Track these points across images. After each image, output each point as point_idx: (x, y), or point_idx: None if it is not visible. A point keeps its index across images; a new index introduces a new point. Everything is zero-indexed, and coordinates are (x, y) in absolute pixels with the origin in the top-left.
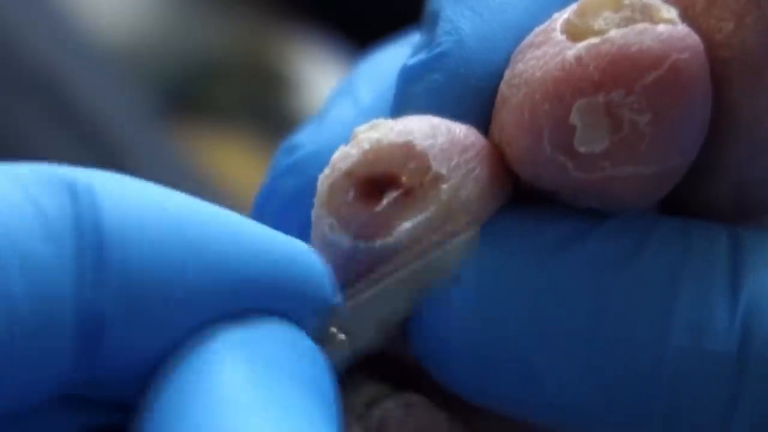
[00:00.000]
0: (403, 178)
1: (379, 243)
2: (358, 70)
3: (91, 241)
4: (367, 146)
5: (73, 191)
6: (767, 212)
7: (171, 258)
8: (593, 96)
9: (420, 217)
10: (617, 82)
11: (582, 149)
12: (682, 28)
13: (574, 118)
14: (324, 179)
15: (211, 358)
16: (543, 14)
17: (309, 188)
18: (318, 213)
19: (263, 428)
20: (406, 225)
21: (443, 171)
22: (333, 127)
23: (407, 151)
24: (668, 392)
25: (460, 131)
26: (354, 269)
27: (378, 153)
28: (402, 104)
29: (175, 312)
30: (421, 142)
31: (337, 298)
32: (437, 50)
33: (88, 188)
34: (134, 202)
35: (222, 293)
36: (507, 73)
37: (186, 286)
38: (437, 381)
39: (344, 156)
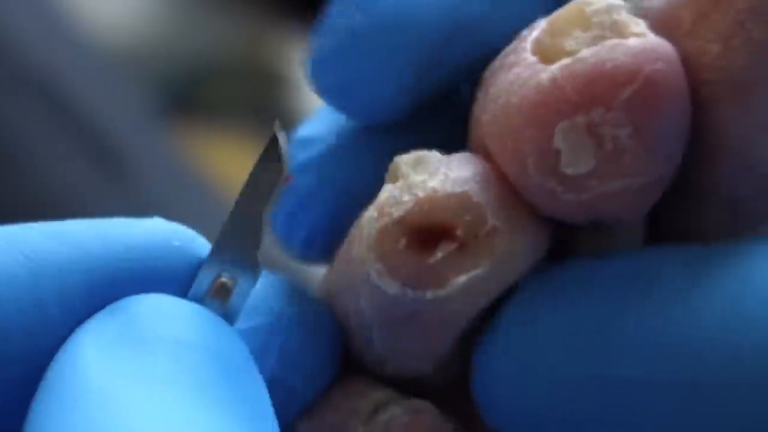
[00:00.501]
0: (458, 231)
1: (429, 294)
2: None
3: None
4: (422, 194)
5: None
6: (762, 222)
7: None
8: (573, 117)
9: (474, 272)
10: (595, 101)
11: (569, 171)
12: (652, 39)
13: (558, 142)
14: (371, 222)
15: (72, 349)
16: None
17: (324, 187)
18: (364, 255)
19: (132, 407)
20: (461, 279)
21: (499, 224)
22: (351, 123)
23: (464, 202)
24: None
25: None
26: (397, 315)
27: (433, 203)
28: (322, 34)
29: (11, 342)
30: (478, 193)
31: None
32: None
33: None
34: None
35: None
36: (480, 98)
37: (16, 308)
38: (447, 393)
39: (395, 201)
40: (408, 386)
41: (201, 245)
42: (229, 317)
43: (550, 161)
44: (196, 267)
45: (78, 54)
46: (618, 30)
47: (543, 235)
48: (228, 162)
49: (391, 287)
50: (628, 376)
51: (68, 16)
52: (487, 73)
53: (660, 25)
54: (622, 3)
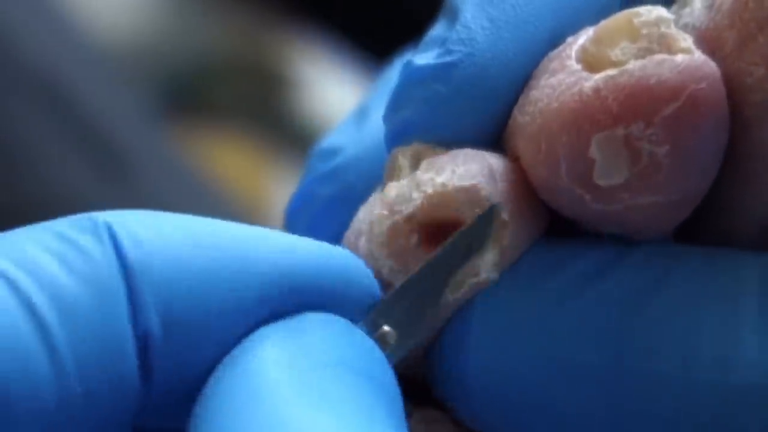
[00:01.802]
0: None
1: (451, 298)
2: (396, 68)
3: (121, 274)
4: (430, 191)
5: (97, 234)
6: None
7: (196, 275)
8: (612, 129)
9: (484, 267)
10: (636, 115)
11: (601, 182)
12: (698, 57)
13: (593, 152)
14: (382, 219)
15: (254, 356)
16: (561, 36)
17: (348, 195)
18: (375, 253)
19: (308, 418)
20: (474, 279)
21: (506, 217)
22: (375, 133)
23: (472, 196)
24: (695, 424)
25: (510, 168)
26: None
27: (443, 198)
28: (398, 104)
29: (212, 325)
30: (485, 187)
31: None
32: (448, 59)
33: (109, 228)
34: (154, 230)
35: (258, 300)
36: (520, 99)
37: (218, 299)
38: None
39: (405, 199)
40: (420, 392)
41: (375, 289)
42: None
43: (582, 169)
44: (367, 309)
45: (79, 54)
46: (666, 44)
47: (542, 226)
48: (228, 162)
49: None
50: (595, 363)
51: (69, 15)
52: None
53: (703, 41)
54: (671, 16)
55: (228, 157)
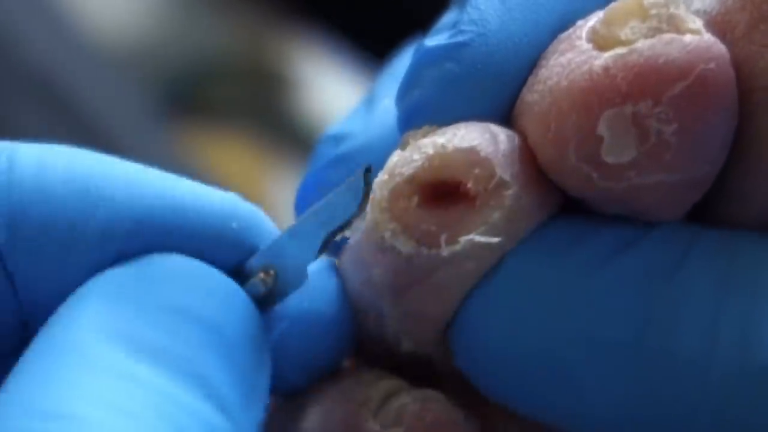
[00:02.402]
0: (469, 184)
1: (446, 251)
2: (403, 57)
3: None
4: (431, 151)
5: None
6: None
7: (60, 201)
8: (621, 106)
9: (485, 225)
10: (645, 93)
11: (609, 159)
12: (707, 38)
13: (602, 129)
14: (382, 184)
15: (73, 303)
16: (572, 19)
17: None
18: (376, 218)
19: (118, 367)
20: (474, 235)
21: (507, 177)
22: (384, 119)
23: (472, 156)
24: (715, 404)
25: (516, 138)
26: (413, 275)
27: (443, 158)
28: (410, 85)
29: (54, 248)
30: (485, 149)
31: (262, 239)
32: (459, 39)
33: (2, 154)
34: (35, 161)
35: (102, 231)
36: (529, 79)
37: (62, 226)
38: (458, 383)
39: (405, 161)
40: (419, 374)
41: (258, 234)
42: (264, 302)
43: (590, 147)
44: (242, 252)
45: (79, 55)
46: (675, 24)
47: (552, 194)
48: (228, 162)
49: (406, 246)
50: (616, 338)
51: (69, 16)
52: (539, 57)
53: (713, 26)
54: None
55: (228, 157)
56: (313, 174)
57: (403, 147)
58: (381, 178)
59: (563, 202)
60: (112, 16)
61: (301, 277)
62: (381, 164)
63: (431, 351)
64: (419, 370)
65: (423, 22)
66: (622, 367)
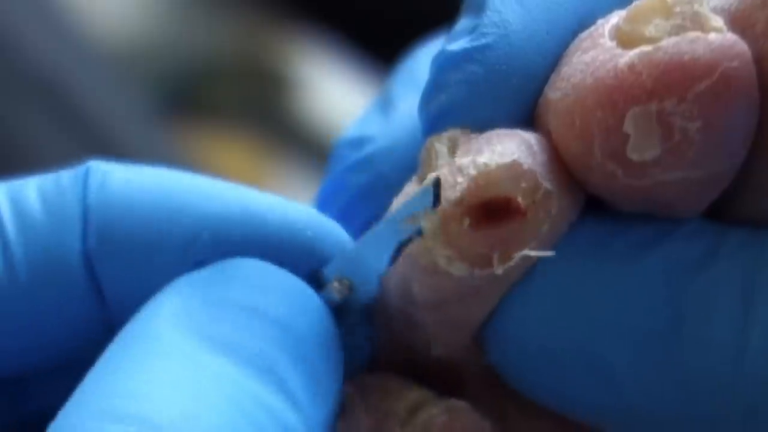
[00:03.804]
0: (519, 199)
1: (500, 270)
2: (417, 58)
3: (82, 204)
4: (474, 172)
5: (77, 176)
6: None
7: (147, 213)
8: (646, 104)
9: (536, 239)
10: (670, 91)
11: (634, 157)
12: (730, 37)
13: (628, 126)
14: (431, 212)
15: (154, 301)
16: (589, 19)
17: (380, 184)
18: (428, 245)
19: (195, 361)
20: (527, 252)
21: (550, 186)
22: (405, 123)
23: (516, 171)
24: (747, 394)
25: (545, 141)
26: (461, 292)
27: (488, 177)
28: (435, 90)
29: (153, 259)
30: (526, 160)
31: (337, 249)
32: (482, 41)
33: (87, 172)
34: (123, 177)
35: (188, 240)
36: (551, 77)
37: (149, 236)
38: (495, 391)
39: (450, 185)
40: (441, 379)
41: (333, 244)
42: (339, 311)
43: (616, 144)
44: (316, 261)
45: (79, 55)
46: (699, 22)
47: (581, 198)
48: (229, 162)
49: (461, 270)
50: (651, 328)
51: (69, 16)
52: (562, 55)
53: (732, 23)
54: None
55: (228, 157)
56: (333, 178)
57: (428, 152)
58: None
59: (585, 201)
60: (113, 16)
61: (373, 287)
62: (403, 167)
63: (461, 354)
64: (442, 375)
65: (423, 22)
66: (656, 358)
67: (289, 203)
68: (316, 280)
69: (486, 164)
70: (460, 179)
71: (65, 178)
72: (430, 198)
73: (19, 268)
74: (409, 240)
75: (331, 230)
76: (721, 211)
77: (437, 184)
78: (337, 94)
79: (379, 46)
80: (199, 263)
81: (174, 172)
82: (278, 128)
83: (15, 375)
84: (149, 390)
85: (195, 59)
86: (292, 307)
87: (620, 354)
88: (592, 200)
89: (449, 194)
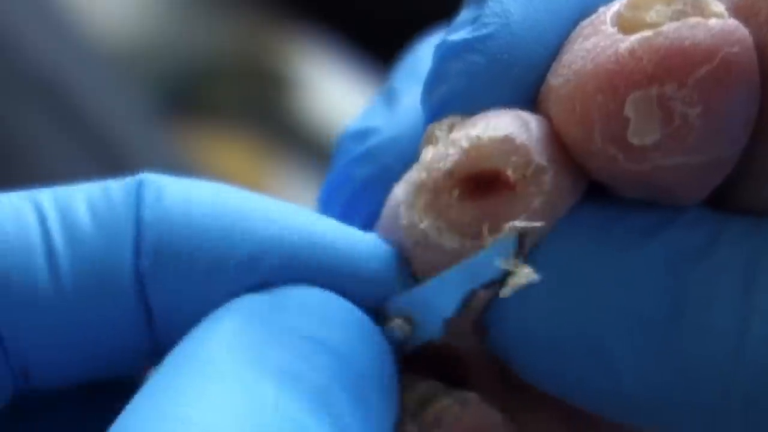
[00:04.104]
0: (509, 172)
1: (489, 241)
2: (419, 53)
3: (135, 220)
4: (466, 144)
5: (128, 189)
6: None
7: (193, 233)
8: (647, 88)
9: (527, 212)
10: (670, 75)
11: (634, 141)
12: (731, 22)
13: (628, 111)
14: (420, 183)
15: (209, 322)
16: (591, 7)
17: (385, 176)
18: (420, 216)
19: (247, 388)
20: (516, 223)
21: (544, 162)
22: (408, 115)
23: (508, 144)
24: (747, 382)
25: (545, 122)
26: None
27: (479, 150)
28: (436, 80)
29: (197, 278)
30: (520, 135)
31: (403, 284)
32: (483, 31)
33: (140, 184)
34: (178, 191)
35: (245, 263)
36: (553, 64)
37: (206, 256)
38: (498, 383)
39: (441, 156)
40: (447, 376)
41: (396, 278)
42: (400, 349)
43: (617, 129)
44: (380, 294)
45: (79, 54)
46: (699, 7)
47: (581, 177)
48: (229, 162)
49: (452, 241)
50: (652, 314)
51: (69, 16)
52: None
53: (735, 11)
54: None
55: (228, 157)
56: (338, 170)
57: (428, 139)
58: (418, 175)
59: (586, 186)
60: (113, 16)
61: (436, 329)
62: (408, 159)
63: (464, 340)
64: (445, 368)
65: (423, 22)
66: (656, 344)
67: (354, 232)
68: (377, 315)
69: (478, 136)
70: (451, 151)
71: (116, 189)
72: (511, 248)
73: (66, 280)
74: (483, 287)
75: (396, 263)
76: (723, 199)
77: (523, 234)
78: (337, 94)
79: (379, 46)
80: (257, 289)
81: (230, 188)
82: (278, 128)
83: (53, 387)
84: (201, 416)
85: (195, 59)
86: (355, 342)
87: (620, 340)
88: (595, 188)
89: (440, 165)
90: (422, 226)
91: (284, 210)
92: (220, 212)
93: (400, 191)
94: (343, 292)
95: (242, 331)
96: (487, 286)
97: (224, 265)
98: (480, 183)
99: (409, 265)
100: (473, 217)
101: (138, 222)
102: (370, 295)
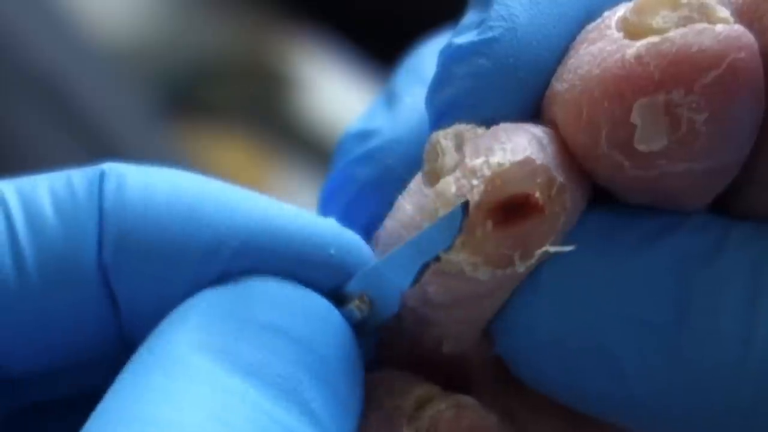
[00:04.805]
0: (537, 194)
1: (521, 268)
2: (421, 54)
3: (97, 211)
4: (489, 173)
5: (91, 179)
6: None
7: (164, 221)
8: (654, 95)
9: (555, 233)
10: (678, 82)
11: (641, 148)
12: (738, 28)
13: (635, 117)
14: (450, 216)
15: (174, 319)
16: (596, 12)
17: (387, 177)
18: (453, 255)
19: (215, 382)
20: (548, 248)
21: (563, 180)
22: (410, 116)
23: (530, 167)
24: (752, 386)
25: (553, 134)
26: (482, 293)
27: (504, 176)
28: (441, 83)
29: (159, 266)
30: (538, 156)
31: (359, 265)
32: (489, 34)
33: (102, 175)
34: (140, 181)
35: (205, 252)
36: (558, 68)
37: (167, 246)
38: (500, 386)
39: (466, 189)
40: (449, 379)
41: (356, 261)
42: (359, 328)
43: (623, 135)
44: (339, 278)
45: (79, 54)
46: (706, 13)
47: (588, 186)
48: (228, 162)
49: (485, 275)
50: (658, 319)
51: (69, 16)
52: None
53: (740, 15)
54: None
55: (228, 157)
56: (339, 171)
57: (433, 148)
58: (444, 211)
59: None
60: (113, 16)
61: (393, 304)
62: (409, 160)
63: (469, 348)
64: (447, 371)
65: (423, 22)
66: (663, 349)
67: (312, 217)
68: (337, 297)
69: (500, 163)
70: (475, 182)
71: (78, 180)
72: (459, 219)
73: (31, 271)
74: (436, 259)
75: (354, 246)
76: (727, 205)
77: (466, 204)
78: (337, 94)
79: (379, 46)
80: (218, 276)
81: (190, 176)
82: (278, 128)
83: (21, 375)
84: (172, 416)
85: (195, 59)
86: (316, 327)
87: (627, 344)
88: (600, 193)
89: (466, 197)
90: (459, 260)
91: (242, 197)
92: (180, 201)
93: (409, 208)
94: (302, 276)
95: (206, 327)
96: (437, 259)
97: (184, 254)
98: (507, 211)
99: (362, 244)
100: (506, 247)
101: (100, 214)
102: (328, 277)
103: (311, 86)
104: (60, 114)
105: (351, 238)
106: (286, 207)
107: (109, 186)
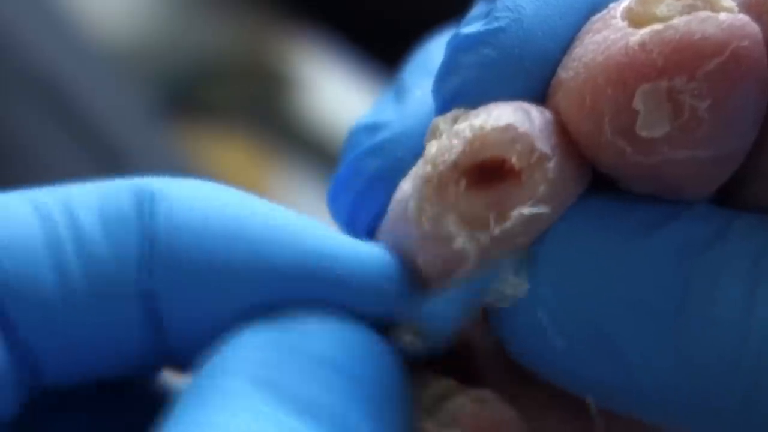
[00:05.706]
0: (513, 160)
1: (497, 231)
2: (429, 49)
3: (147, 234)
4: (469, 134)
5: (139, 195)
6: None
7: (215, 246)
8: (657, 81)
9: (532, 199)
10: (680, 69)
11: (643, 134)
12: (742, 17)
13: (638, 103)
14: (426, 176)
15: (231, 352)
16: (602, 3)
17: (396, 169)
18: (426, 210)
19: (269, 418)
20: (523, 210)
21: (547, 150)
22: (419, 109)
23: (511, 133)
24: (751, 373)
25: (548, 112)
26: (468, 259)
27: (483, 139)
28: (448, 72)
29: (220, 294)
30: (522, 124)
31: (410, 296)
32: (495, 24)
33: (150, 191)
34: (187, 200)
35: (266, 280)
36: (564, 58)
37: (229, 271)
38: (507, 377)
39: (445, 149)
40: (458, 373)
41: (405, 289)
42: (408, 359)
43: (626, 121)
44: (387, 306)
45: (79, 54)
46: (710, 2)
47: (587, 168)
48: (228, 162)
49: (461, 233)
50: (659, 306)
51: (69, 15)
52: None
53: (747, 8)
54: None
55: (228, 157)
56: (349, 163)
57: (433, 132)
58: (424, 169)
59: (592, 179)
60: (113, 16)
61: (443, 337)
62: (418, 153)
63: (473, 332)
64: (456, 365)
65: (424, 23)
66: (664, 335)
67: (359, 243)
68: (385, 326)
69: (481, 126)
70: (455, 142)
71: (126, 198)
72: (523, 261)
73: (76, 286)
74: (487, 293)
75: (401, 274)
76: (730, 197)
77: (528, 255)
78: (337, 95)
79: (379, 46)
80: (269, 300)
81: (235, 195)
82: (278, 128)
83: (63, 385)
84: None
85: (195, 59)
86: (368, 362)
87: (629, 331)
88: (603, 182)
89: (445, 157)
90: (430, 218)
91: (290, 222)
92: (228, 226)
93: (407, 186)
94: (348, 305)
95: (257, 360)
96: (492, 296)
97: (234, 278)
98: (485, 173)
99: (415, 273)
100: (480, 207)
101: (149, 236)
102: (375, 307)
103: (312, 87)
104: (60, 114)
105: (396, 263)
106: (335, 233)
107: (160, 209)
